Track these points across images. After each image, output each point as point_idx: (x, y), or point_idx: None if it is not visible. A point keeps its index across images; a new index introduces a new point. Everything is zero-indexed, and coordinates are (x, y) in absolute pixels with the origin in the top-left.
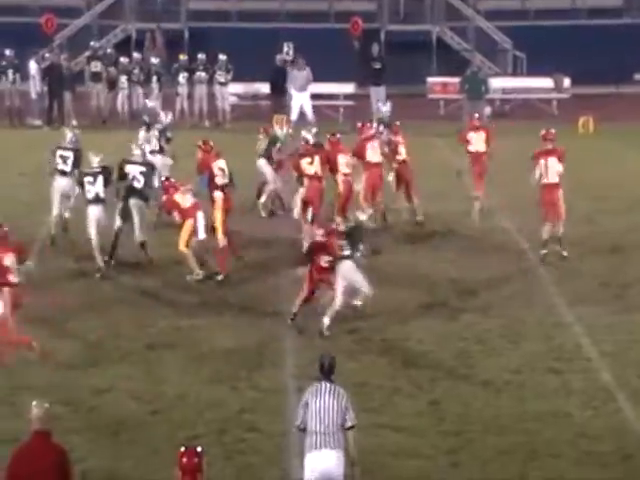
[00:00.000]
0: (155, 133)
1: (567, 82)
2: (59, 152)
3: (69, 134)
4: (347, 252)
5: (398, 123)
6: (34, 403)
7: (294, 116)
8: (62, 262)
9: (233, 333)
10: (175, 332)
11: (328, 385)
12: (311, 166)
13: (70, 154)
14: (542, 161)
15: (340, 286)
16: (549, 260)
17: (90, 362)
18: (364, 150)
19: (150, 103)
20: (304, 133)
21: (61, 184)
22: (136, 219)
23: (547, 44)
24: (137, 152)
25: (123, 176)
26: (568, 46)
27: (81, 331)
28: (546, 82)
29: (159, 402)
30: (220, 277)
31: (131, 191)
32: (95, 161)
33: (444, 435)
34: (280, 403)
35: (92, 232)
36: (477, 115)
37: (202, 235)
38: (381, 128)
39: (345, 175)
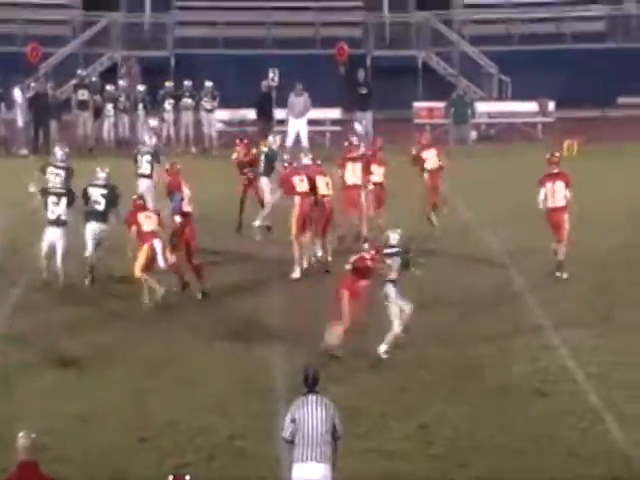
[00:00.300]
0: (147, 158)
1: (552, 106)
2: (50, 169)
3: (59, 152)
4: (394, 276)
5: (380, 142)
6: (20, 434)
7: (290, 142)
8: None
9: (223, 357)
10: (163, 356)
11: (314, 397)
12: (302, 183)
13: (62, 172)
14: (549, 184)
15: (393, 311)
16: (536, 283)
17: (75, 387)
18: (344, 168)
19: (152, 122)
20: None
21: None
22: (90, 243)
23: (532, 68)
24: (101, 175)
25: (87, 200)
26: (552, 70)
27: (67, 354)
28: (531, 106)
29: (147, 429)
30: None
31: (91, 215)
32: (58, 182)
33: (433, 459)
34: (270, 428)
35: (44, 251)
36: (423, 134)
37: (162, 263)
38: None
39: (324, 196)
